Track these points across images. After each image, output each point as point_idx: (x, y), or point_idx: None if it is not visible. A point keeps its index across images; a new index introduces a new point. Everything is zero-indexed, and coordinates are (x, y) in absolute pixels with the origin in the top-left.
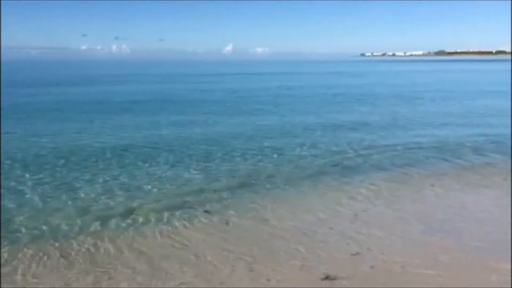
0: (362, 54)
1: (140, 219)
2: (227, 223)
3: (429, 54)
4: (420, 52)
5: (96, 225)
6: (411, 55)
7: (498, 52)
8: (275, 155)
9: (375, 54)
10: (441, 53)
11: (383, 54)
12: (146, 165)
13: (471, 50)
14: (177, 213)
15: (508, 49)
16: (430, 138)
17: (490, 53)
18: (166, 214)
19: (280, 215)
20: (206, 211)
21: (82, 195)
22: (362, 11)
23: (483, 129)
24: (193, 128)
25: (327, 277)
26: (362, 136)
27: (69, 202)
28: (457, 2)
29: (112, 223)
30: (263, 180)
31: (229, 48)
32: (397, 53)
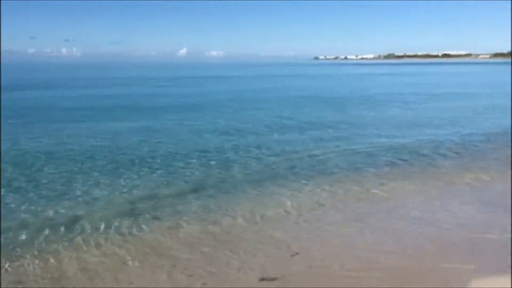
0: (316, 58)
1: (89, 227)
2: (175, 229)
3: (379, 57)
4: (371, 56)
5: (42, 235)
6: (362, 58)
7: (443, 55)
8: (225, 159)
9: (328, 57)
10: (390, 56)
11: (336, 58)
12: (96, 173)
13: (418, 53)
14: (126, 220)
15: (452, 52)
16: (381, 140)
17: (436, 56)
18: (115, 222)
19: (227, 219)
20: (156, 218)
21: (28, 204)
22: (316, 15)
23: (437, 131)
24: (142, 134)
25: (263, 278)
26: (312, 138)
27: (15, 212)
28: (406, 6)
29: (60, 232)
30: (213, 185)
31: (183, 51)
32: (349, 57)
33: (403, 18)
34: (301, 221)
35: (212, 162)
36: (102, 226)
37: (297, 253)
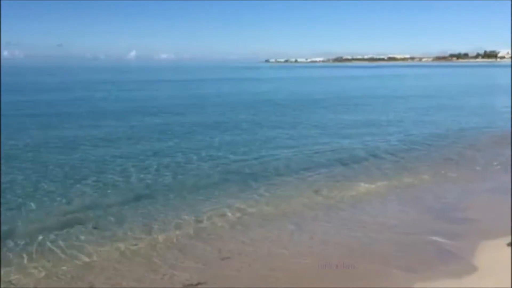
0: (267, 60)
1: (24, 240)
2: (112, 238)
3: (328, 60)
4: (321, 59)
5: None
6: (312, 61)
7: (389, 59)
8: (172, 165)
9: (279, 60)
10: (339, 59)
11: (286, 61)
12: (33, 180)
13: (366, 57)
14: (65, 231)
15: (397, 56)
16: (326, 144)
17: (382, 59)
18: (53, 233)
19: (163, 226)
20: (95, 227)
21: None
22: (267, 18)
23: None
24: (82, 141)
25: (189, 285)
26: (260, 142)
27: None
28: (353, 11)
29: None
30: (159, 192)
31: (132, 54)
32: (299, 60)
33: (351, 22)
34: (237, 225)
35: (166, 165)
36: (39, 238)
37: (228, 257)
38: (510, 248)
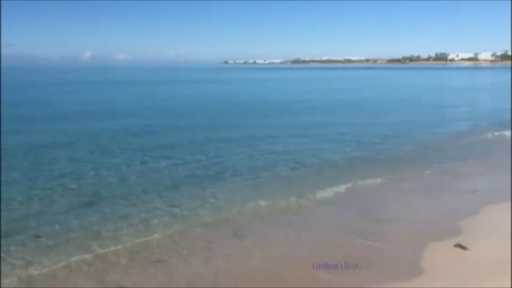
0: (225, 62)
1: None
2: (53, 247)
3: (286, 62)
4: (279, 60)
5: None
6: (270, 63)
7: (345, 61)
8: (121, 170)
9: (237, 61)
10: (297, 61)
11: (245, 62)
12: None
13: (323, 58)
14: (7, 240)
15: (353, 58)
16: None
17: (339, 61)
18: None
19: (106, 233)
20: (37, 236)
21: None
22: (225, 18)
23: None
24: (24, 146)
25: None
26: (214, 146)
27: None
28: (311, 13)
29: None
30: (106, 198)
31: (88, 54)
32: (257, 61)
33: (309, 24)
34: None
35: (116, 171)
36: None
37: (158, 261)
38: (457, 249)
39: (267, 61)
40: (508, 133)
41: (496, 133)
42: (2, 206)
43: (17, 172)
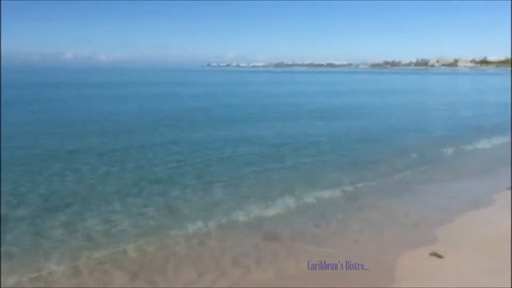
0: (208, 64)
1: None
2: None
3: (269, 65)
4: (262, 64)
5: None
6: (253, 66)
7: (328, 65)
8: (74, 175)
9: (220, 64)
10: (280, 65)
11: (228, 65)
12: None
13: (306, 62)
14: None
15: (336, 62)
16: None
17: (321, 65)
18: None
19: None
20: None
21: None
22: (209, 21)
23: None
24: None
25: None
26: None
27: None
28: (295, 18)
29: None
30: (61, 204)
31: (69, 54)
32: (241, 64)
33: (292, 29)
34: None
35: (69, 176)
36: None
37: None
38: (433, 257)
39: (251, 64)
40: (488, 140)
41: (478, 139)
42: None
43: None
